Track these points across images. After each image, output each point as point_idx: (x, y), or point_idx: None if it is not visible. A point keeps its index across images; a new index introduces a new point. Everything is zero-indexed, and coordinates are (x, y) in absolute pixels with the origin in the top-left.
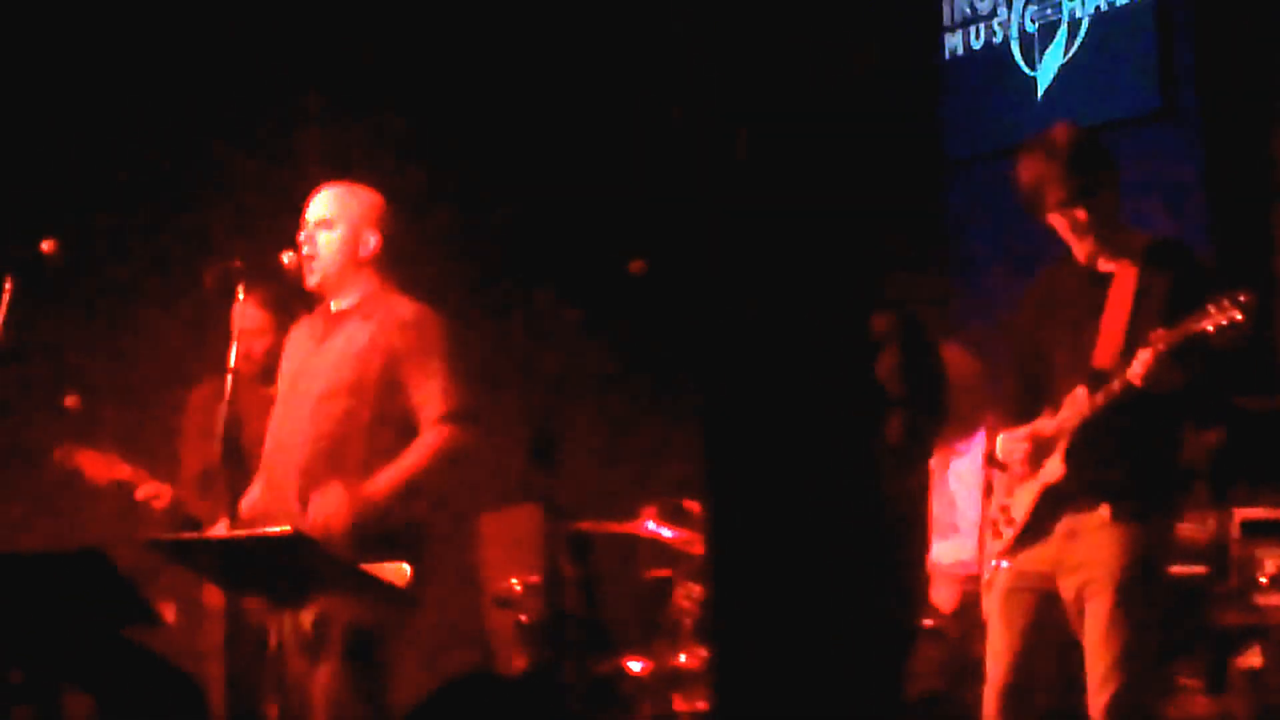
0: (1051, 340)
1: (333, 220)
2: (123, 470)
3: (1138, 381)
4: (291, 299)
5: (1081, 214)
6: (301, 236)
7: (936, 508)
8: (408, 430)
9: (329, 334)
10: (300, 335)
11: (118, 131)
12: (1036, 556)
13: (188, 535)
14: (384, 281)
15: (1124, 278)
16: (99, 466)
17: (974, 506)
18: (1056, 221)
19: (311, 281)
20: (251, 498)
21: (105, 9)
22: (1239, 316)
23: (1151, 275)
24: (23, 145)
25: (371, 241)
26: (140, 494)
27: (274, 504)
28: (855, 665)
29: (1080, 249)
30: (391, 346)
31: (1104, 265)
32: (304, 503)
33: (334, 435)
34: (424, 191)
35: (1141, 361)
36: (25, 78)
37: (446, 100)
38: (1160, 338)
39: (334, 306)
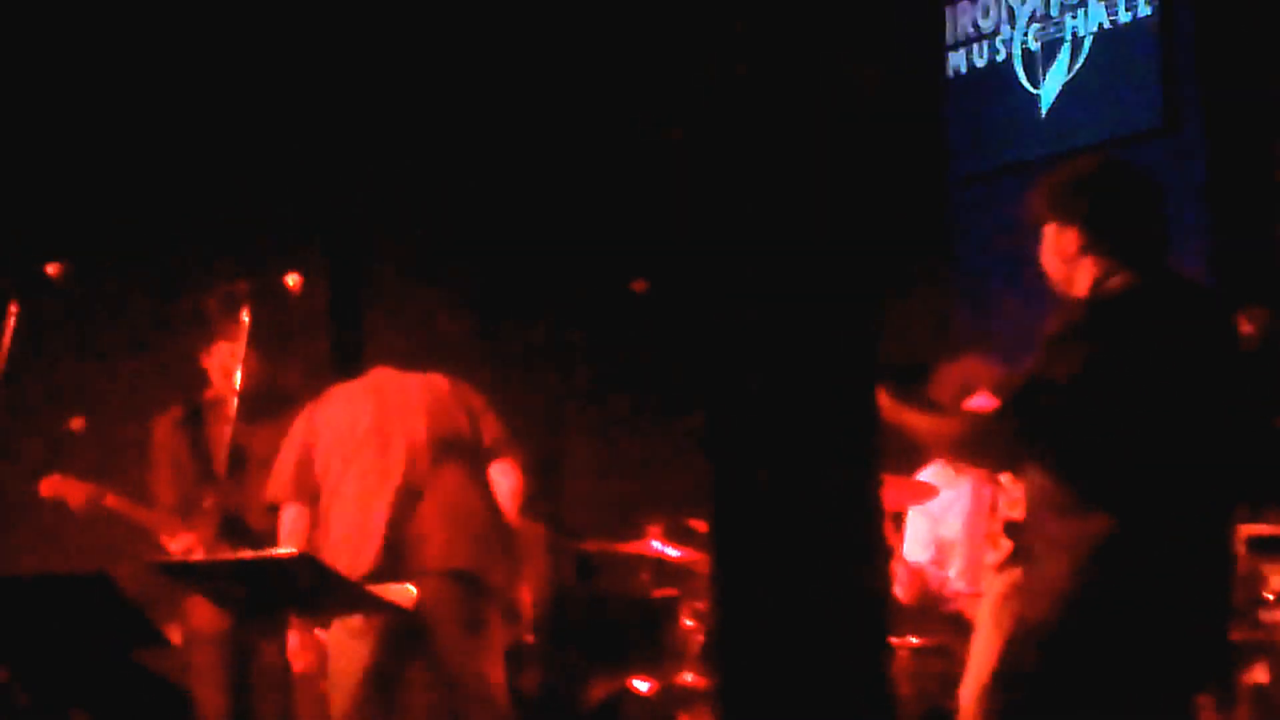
0: None
1: None
2: (105, 498)
3: None
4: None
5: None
6: None
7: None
8: None
9: None
10: None
11: (120, 156)
12: None
13: (195, 558)
14: None
15: None
16: (81, 495)
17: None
18: None
19: None
20: None
21: (112, 32)
22: (1250, 330)
23: None
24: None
25: None
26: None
27: None
28: (860, 682)
29: None
30: None
31: None
32: None
33: None
34: (426, 211)
35: None
36: (29, 102)
37: (446, 115)
38: None
39: None
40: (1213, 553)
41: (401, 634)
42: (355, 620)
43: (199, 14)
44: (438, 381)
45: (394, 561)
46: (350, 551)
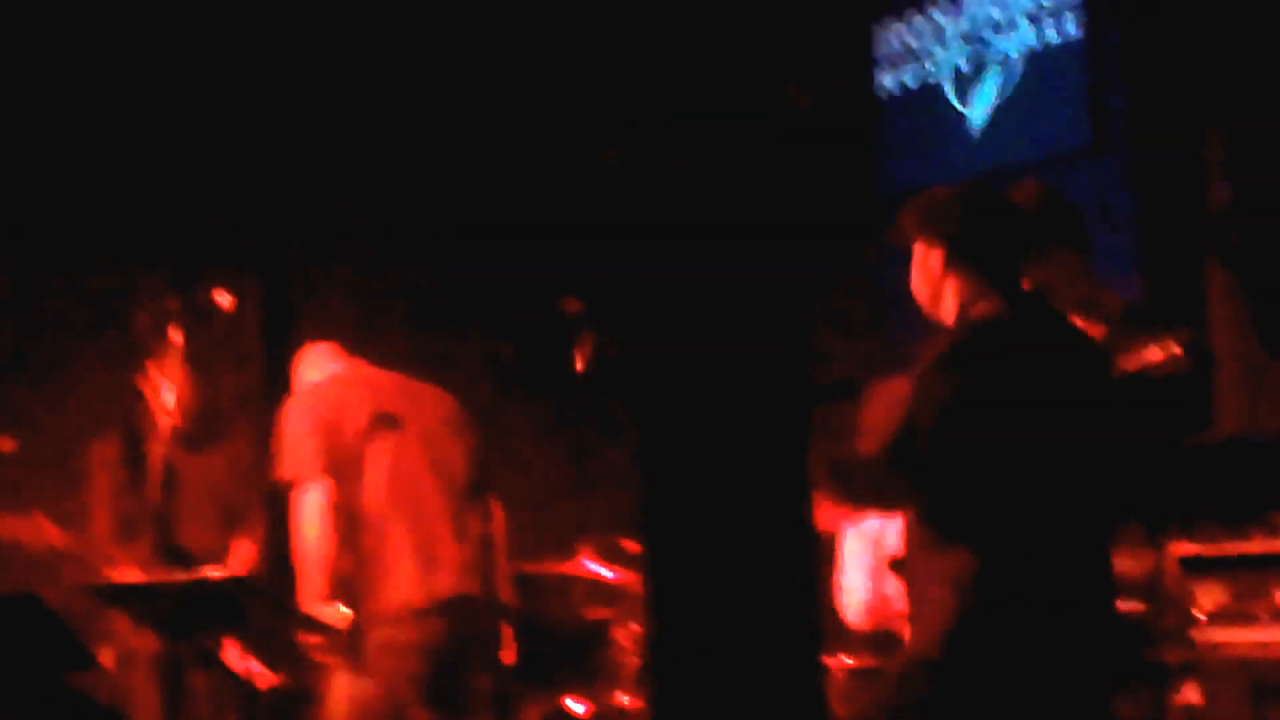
0: None
1: None
2: (44, 533)
3: None
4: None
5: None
6: None
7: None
8: None
9: None
10: None
11: (48, 174)
12: None
13: (130, 580)
14: None
15: None
16: (19, 530)
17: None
18: None
19: None
20: None
21: (40, 48)
22: (1178, 351)
23: None
24: None
25: None
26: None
27: None
28: (794, 703)
29: None
30: None
31: None
32: None
33: None
34: (359, 229)
35: None
36: None
37: (378, 132)
38: None
39: None
40: (1088, 580)
41: (446, 657)
42: (404, 636)
43: (122, 28)
44: (449, 398)
45: (469, 588)
46: (421, 573)
